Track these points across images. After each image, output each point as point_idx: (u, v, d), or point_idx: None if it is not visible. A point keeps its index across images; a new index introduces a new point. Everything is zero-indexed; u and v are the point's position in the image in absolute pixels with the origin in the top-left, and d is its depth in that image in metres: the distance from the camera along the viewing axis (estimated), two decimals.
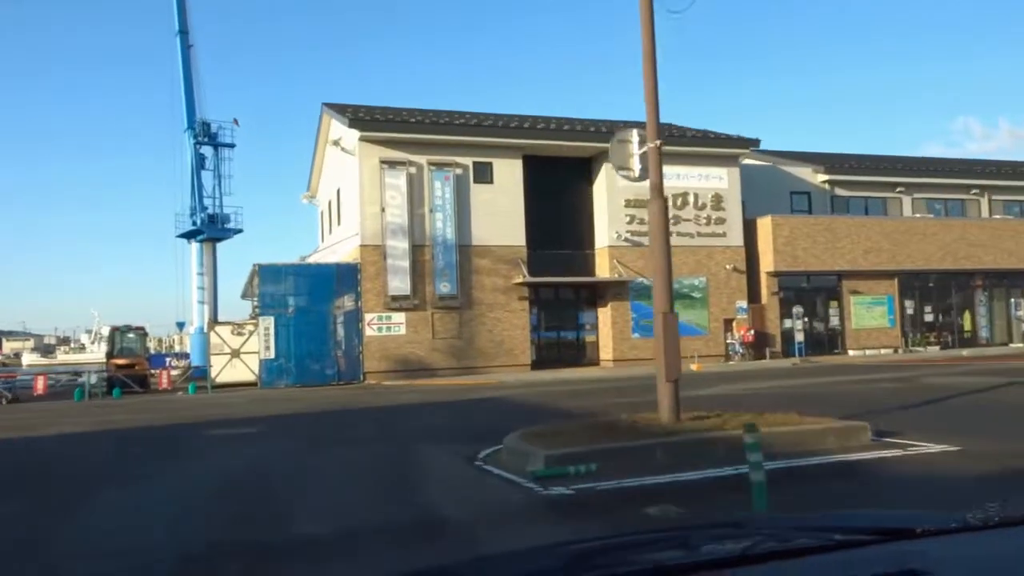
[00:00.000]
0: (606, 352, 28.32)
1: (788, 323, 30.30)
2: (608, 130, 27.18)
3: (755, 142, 29.55)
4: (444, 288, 26.05)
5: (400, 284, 25.58)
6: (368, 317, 25.42)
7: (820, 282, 31.05)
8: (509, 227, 26.99)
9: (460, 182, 26.57)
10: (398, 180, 25.83)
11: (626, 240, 28.22)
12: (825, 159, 35.70)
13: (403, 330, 25.69)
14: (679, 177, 28.98)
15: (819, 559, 1.34)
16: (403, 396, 19.21)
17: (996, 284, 33.67)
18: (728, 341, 29.26)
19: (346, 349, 25.58)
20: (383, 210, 25.59)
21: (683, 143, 28.65)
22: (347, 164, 27.55)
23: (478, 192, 26.82)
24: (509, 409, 15.15)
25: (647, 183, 10.51)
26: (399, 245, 25.66)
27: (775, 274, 29.90)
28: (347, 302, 25.77)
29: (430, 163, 26.23)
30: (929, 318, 32.54)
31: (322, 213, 35.24)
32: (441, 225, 26.19)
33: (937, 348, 31.76)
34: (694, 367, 25.63)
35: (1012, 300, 33.89)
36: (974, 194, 36.62)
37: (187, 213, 39.63)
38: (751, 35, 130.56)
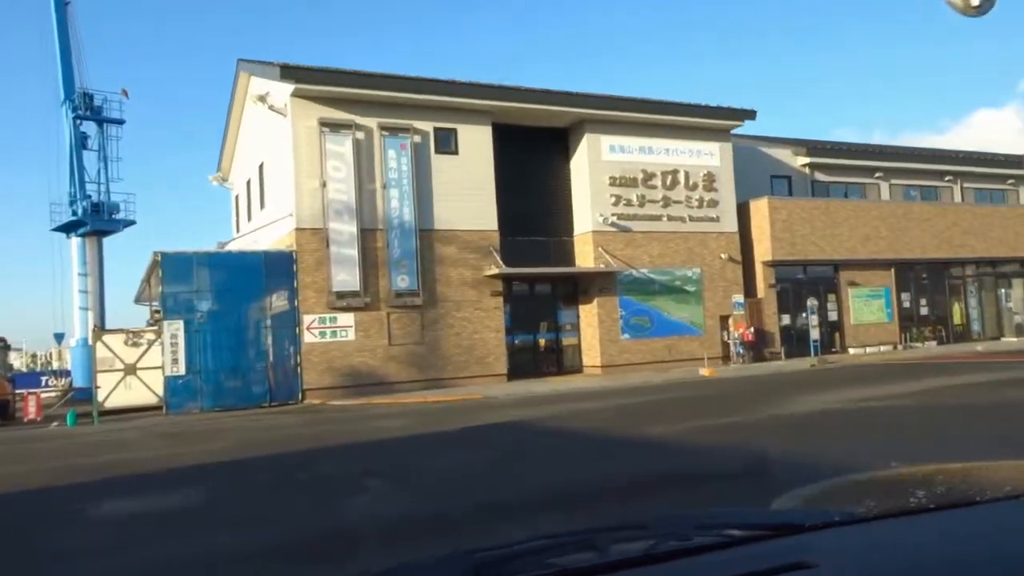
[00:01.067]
0: (592, 357, 23.94)
1: (786, 319, 26.78)
2: (589, 97, 23.00)
3: (751, 113, 25.89)
4: (402, 282, 21.06)
5: (347, 277, 20.43)
6: (307, 320, 20.14)
7: (817, 273, 27.72)
8: (479, 208, 22.26)
9: (419, 152, 21.65)
10: (342, 147, 20.68)
11: (612, 225, 23.96)
12: (805, 143, 32.59)
13: (352, 335, 20.53)
14: (668, 152, 25.01)
15: (717, 556, 1.38)
16: (373, 423, 14.18)
17: (986, 274, 31.34)
18: (727, 341, 25.42)
19: (278, 360, 20.20)
20: (324, 185, 20.38)
21: (674, 111, 24.65)
22: (276, 129, 22.17)
23: (441, 165, 21.97)
24: (561, 442, 10.51)
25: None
26: (345, 229, 20.51)
27: (772, 264, 26.31)
28: (279, 301, 20.42)
29: (382, 127, 21.18)
30: (924, 311, 29.80)
31: (237, 197, 29.45)
32: (397, 204, 21.19)
33: (934, 343, 28.99)
34: (705, 372, 21.56)
35: (1002, 291, 31.62)
36: (947, 181, 34.35)
37: (66, 202, 33.08)
38: (722, 15, 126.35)
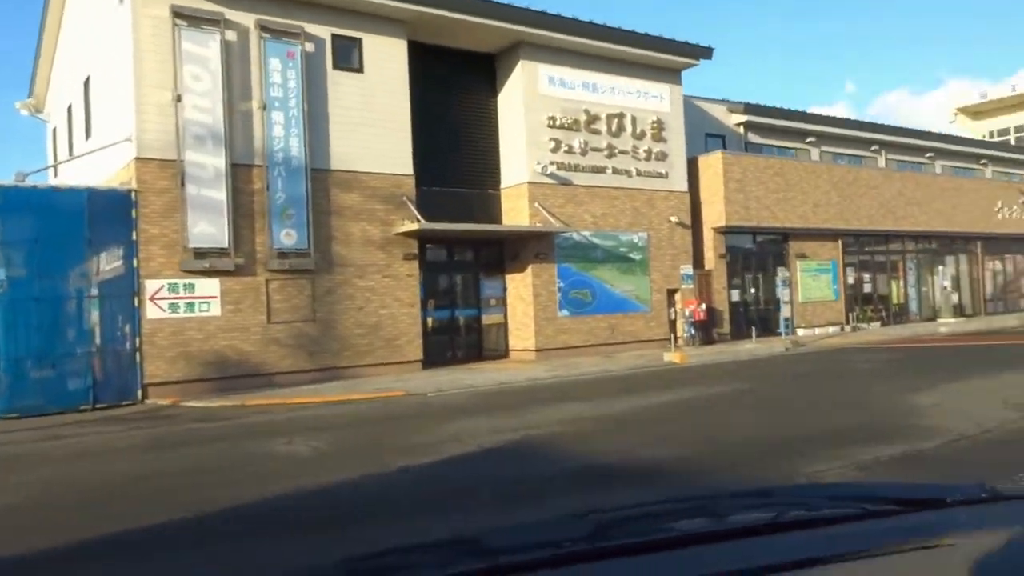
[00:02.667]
0: (522, 338, 19.41)
1: (736, 295, 23.31)
2: (528, 12, 18.39)
3: (707, 51, 22.00)
4: (287, 238, 15.67)
5: (211, 229, 14.83)
6: (151, 287, 14.41)
7: (767, 243, 24.45)
8: (390, 146, 17.12)
9: (312, 65, 16.24)
10: (205, 49, 14.97)
11: (551, 176, 19.44)
12: (740, 102, 29.27)
13: (216, 309, 14.97)
14: (614, 92, 20.74)
15: (846, 528, 1.31)
16: (258, 444, 9.02)
17: (924, 250, 29.32)
18: (673, 319, 21.58)
19: (107, 344, 14.37)
20: (178, 99, 14.63)
21: (624, 40, 20.33)
22: (108, 27, 16.08)
23: (341, 85, 16.64)
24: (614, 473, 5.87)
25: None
26: (209, 162, 14.87)
27: (724, 230, 22.70)
28: (111, 261, 14.57)
29: (262, 27, 15.60)
30: (867, 288, 27.32)
31: (55, 131, 22.65)
32: (282, 133, 15.72)
33: (878, 324, 26.53)
34: (673, 357, 17.52)
35: (940, 268, 29.71)
36: (873, 151, 32.20)
37: None
38: None
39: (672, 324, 21.54)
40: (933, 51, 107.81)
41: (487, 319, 19.91)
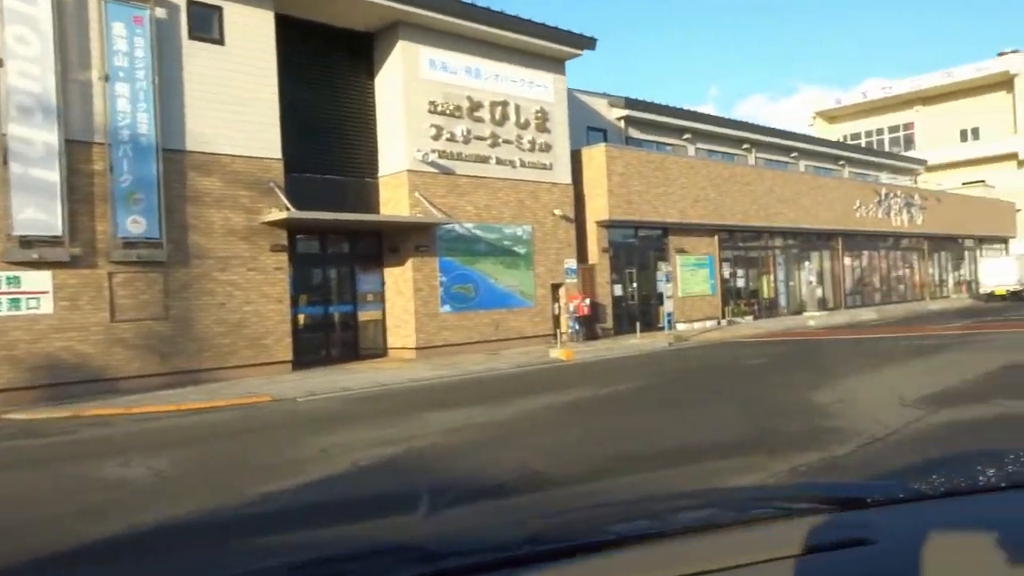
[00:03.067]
0: (402, 336, 18.32)
1: (618, 289, 23.10)
2: None
3: (590, 42, 21.57)
4: (135, 226, 13.91)
5: (41, 215, 12.91)
6: None
7: (647, 238, 24.39)
8: (255, 126, 15.60)
9: (165, 33, 14.50)
10: (33, 8, 12.99)
11: (432, 164, 18.43)
12: (621, 97, 29.20)
13: (48, 306, 13.07)
14: (498, 79, 19.96)
15: (776, 528, 1.35)
16: (92, 467, 7.60)
17: (792, 246, 30.29)
18: (558, 314, 21.09)
19: None
20: (0, 64, 12.64)
21: (508, 26, 19.57)
22: None
23: (198, 57, 14.98)
24: None
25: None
26: (37, 137, 12.92)
27: (607, 224, 22.41)
28: None
29: None
30: (741, 283, 27.90)
31: None
32: (128, 108, 13.92)
33: (751, 318, 27.13)
34: (560, 354, 16.93)
35: (806, 264, 30.81)
36: (744, 149, 33.11)
37: None
38: None
39: (556, 320, 21.04)
40: (788, 60, 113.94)
41: (364, 316, 18.68)
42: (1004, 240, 44.56)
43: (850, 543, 1.22)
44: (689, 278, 25.08)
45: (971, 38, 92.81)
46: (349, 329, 18.49)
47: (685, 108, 30.72)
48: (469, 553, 1.29)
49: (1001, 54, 50.98)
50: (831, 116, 58.13)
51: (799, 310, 29.78)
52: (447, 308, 18.61)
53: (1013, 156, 49.71)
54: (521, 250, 20.34)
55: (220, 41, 15.23)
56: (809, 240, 30.97)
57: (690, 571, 1.17)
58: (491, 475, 5.94)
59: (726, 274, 26.91)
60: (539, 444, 7.08)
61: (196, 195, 14.78)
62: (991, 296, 31.92)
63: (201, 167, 14.84)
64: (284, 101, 16.18)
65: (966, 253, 42.04)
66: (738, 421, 7.79)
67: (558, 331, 20.16)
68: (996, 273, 32.28)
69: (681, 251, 24.83)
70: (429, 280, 18.30)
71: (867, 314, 27.35)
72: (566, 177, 21.54)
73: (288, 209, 15.32)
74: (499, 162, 19.84)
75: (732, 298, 27.06)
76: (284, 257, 16.03)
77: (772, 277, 29.30)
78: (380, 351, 18.61)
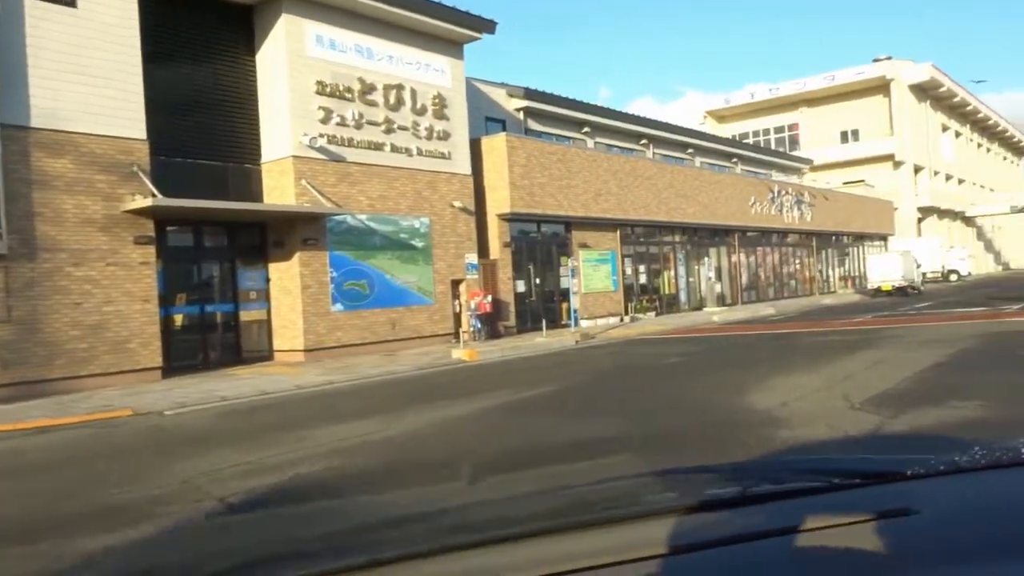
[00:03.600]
0: (289, 338, 16.76)
1: (521, 286, 22.20)
2: None
3: (490, 25, 20.54)
4: None
5: None
6: None
7: (549, 232, 23.60)
8: (115, 102, 13.71)
9: None
10: None
11: (321, 150, 16.94)
12: (520, 87, 28.33)
13: None
14: (392, 61, 18.67)
15: (812, 500, 1.34)
16: None
17: (692, 242, 30.25)
18: (458, 312, 19.98)
19: None
20: None
21: (403, 4, 18.27)
22: None
23: (47, 21, 12.99)
24: None
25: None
26: None
27: (509, 217, 21.45)
28: None
29: None
30: (643, 279, 27.57)
31: None
32: None
33: (653, 315, 26.82)
34: (463, 354, 15.82)
35: (705, 259, 30.85)
36: (642, 144, 32.96)
37: None
38: None
39: (458, 318, 19.93)
40: (673, 65, 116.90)
41: (247, 315, 16.99)
42: (884, 237, 46.53)
43: (893, 513, 1.19)
44: (592, 274, 24.47)
45: (852, 44, 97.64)
46: (230, 331, 16.76)
47: (585, 101, 30.21)
48: (498, 525, 1.30)
49: (876, 60, 53.43)
50: (721, 116, 59.46)
51: (699, 306, 29.76)
52: (339, 306, 17.17)
53: (890, 157, 52.18)
54: (419, 244, 19.11)
55: (72, 3, 13.28)
56: (707, 236, 31.06)
57: (725, 537, 1.15)
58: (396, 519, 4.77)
59: (628, 270, 26.50)
60: (452, 470, 5.93)
61: (44, 179, 12.83)
62: (878, 292, 32.89)
63: (50, 147, 12.89)
64: (151, 76, 14.38)
65: (849, 250, 43.56)
66: (687, 434, 6.89)
67: (460, 330, 19.05)
68: (882, 269, 33.30)
69: (584, 246, 24.18)
70: (319, 276, 16.81)
71: (766, 309, 27.53)
72: (466, 167, 20.44)
73: (154, 196, 13.54)
74: (394, 149, 18.53)
75: (634, 295, 26.67)
76: (151, 251, 14.22)
77: (672, 273, 29.14)
78: (265, 354, 16.99)
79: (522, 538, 1.18)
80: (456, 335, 18.96)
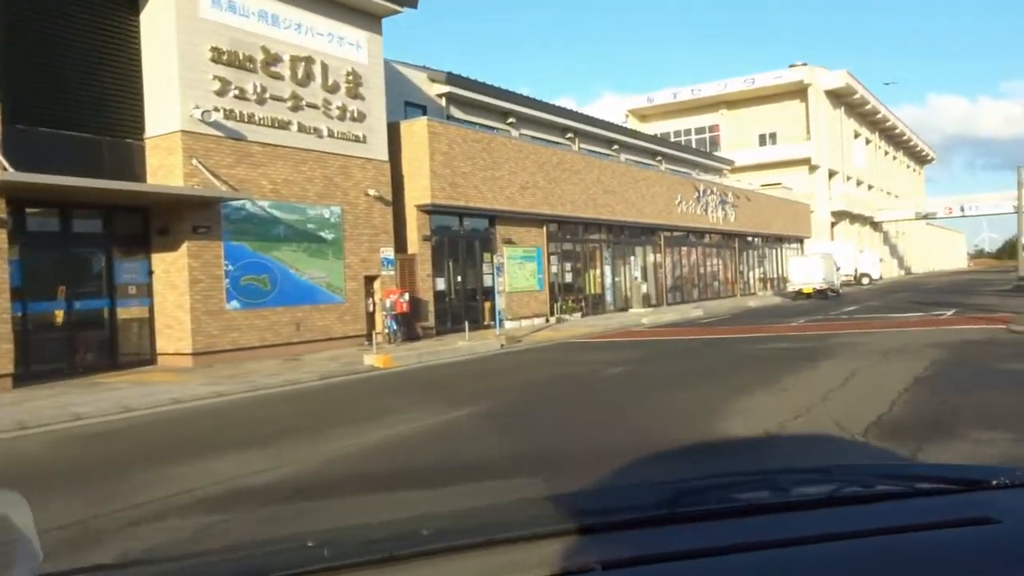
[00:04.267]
0: (175, 339, 14.59)
1: (441, 283, 20.50)
2: None
3: None
4: None
5: None
6: None
7: (473, 226, 21.97)
8: None
9: None
10: None
11: (215, 125, 14.83)
12: (443, 72, 26.59)
13: None
14: (300, 30, 16.71)
15: (896, 505, 1.36)
16: None
17: (618, 240, 29.16)
18: (372, 312, 18.14)
19: None
20: None
21: None
22: None
23: None
24: None
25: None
26: None
27: (429, 209, 19.72)
28: None
29: None
30: (569, 278, 26.27)
31: None
32: None
33: (579, 315, 25.57)
34: (375, 360, 14.02)
35: (631, 259, 29.82)
36: (568, 138, 31.76)
37: None
38: None
39: (371, 318, 18.09)
40: (592, 68, 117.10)
41: (125, 313, 14.70)
42: (801, 240, 46.86)
43: (973, 522, 1.17)
44: (517, 272, 22.97)
45: (770, 49, 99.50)
46: (104, 331, 14.45)
47: (510, 90, 28.72)
48: (609, 512, 1.36)
49: (792, 66, 53.97)
50: (643, 115, 59.10)
51: (625, 307, 28.72)
52: (235, 304, 15.10)
53: (806, 161, 52.79)
54: (329, 235, 17.18)
55: None
56: (634, 234, 30.06)
57: (812, 536, 1.16)
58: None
59: (554, 268, 25.15)
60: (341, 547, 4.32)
61: None
62: (799, 294, 32.65)
63: None
64: (7, 29, 12.05)
65: (767, 251, 43.58)
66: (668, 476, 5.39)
67: (373, 332, 17.22)
68: (804, 272, 33.10)
69: (509, 242, 22.66)
70: (211, 269, 14.70)
71: (693, 311, 26.65)
72: (382, 153, 18.61)
73: (5, 169, 11.25)
74: (302, 129, 16.56)
75: (560, 294, 25.34)
76: (2, 235, 11.90)
77: (598, 272, 27.97)
78: (147, 357, 14.77)
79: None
80: (369, 337, 17.12)
